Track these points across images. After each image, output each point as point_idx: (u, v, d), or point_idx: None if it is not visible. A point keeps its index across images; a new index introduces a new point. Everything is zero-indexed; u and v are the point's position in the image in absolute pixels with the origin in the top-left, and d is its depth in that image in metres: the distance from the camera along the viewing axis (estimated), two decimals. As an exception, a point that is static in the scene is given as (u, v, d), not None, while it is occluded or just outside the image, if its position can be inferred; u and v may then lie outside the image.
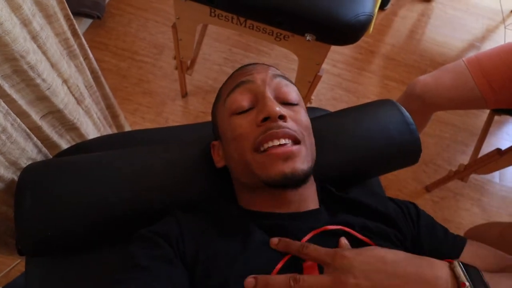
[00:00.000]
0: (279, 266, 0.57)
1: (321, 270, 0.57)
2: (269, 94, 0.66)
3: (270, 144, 0.61)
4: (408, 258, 0.50)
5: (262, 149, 0.62)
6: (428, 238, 0.70)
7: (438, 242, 0.70)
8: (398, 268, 0.48)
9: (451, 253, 0.68)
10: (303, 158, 0.63)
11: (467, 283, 0.45)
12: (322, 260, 0.52)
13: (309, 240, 0.61)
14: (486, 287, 0.46)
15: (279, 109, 0.63)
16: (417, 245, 0.70)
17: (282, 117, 0.63)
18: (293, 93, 0.70)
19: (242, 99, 0.67)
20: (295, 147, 0.62)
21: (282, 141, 0.62)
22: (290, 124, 0.64)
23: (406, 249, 0.67)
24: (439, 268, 0.48)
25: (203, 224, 0.66)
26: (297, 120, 0.66)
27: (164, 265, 0.57)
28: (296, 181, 0.61)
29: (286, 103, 0.68)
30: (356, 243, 0.61)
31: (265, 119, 0.63)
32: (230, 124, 0.68)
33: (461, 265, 0.48)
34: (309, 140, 0.67)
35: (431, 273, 0.47)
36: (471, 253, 0.68)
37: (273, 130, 0.61)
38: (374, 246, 0.53)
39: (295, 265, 0.58)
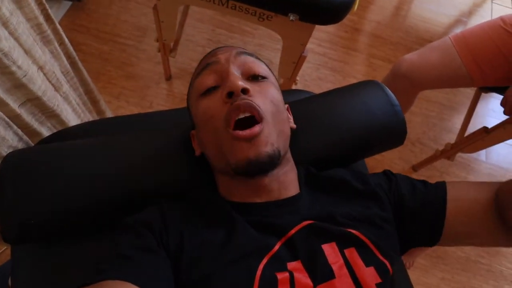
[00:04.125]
0: (264, 261, 0.57)
1: (308, 271, 0.57)
2: (233, 70, 0.64)
3: (235, 117, 0.60)
4: None
5: (232, 123, 0.61)
6: (412, 196, 0.71)
7: (423, 196, 0.70)
8: None
9: (438, 202, 0.69)
10: (266, 139, 0.60)
11: None
12: None
13: (295, 235, 0.61)
14: None
15: (242, 83, 0.61)
16: (400, 206, 0.70)
17: (245, 91, 0.62)
18: (259, 67, 0.69)
19: (207, 79, 0.67)
20: (257, 127, 0.60)
21: (247, 114, 0.60)
22: (254, 98, 0.62)
23: (390, 224, 0.68)
24: None
25: (187, 214, 0.65)
26: (264, 94, 0.65)
27: (147, 255, 0.56)
28: (261, 165, 0.60)
29: (253, 78, 0.67)
30: (339, 236, 0.62)
31: (230, 94, 0.62)
32: (199, 108, 0.67)
33: None
34: (276, 117, 0.65)
35: None
36: (456, 191, 0.70)
37: (236, 103, 0.60)
38: None
39: (280, 260, 0.58)
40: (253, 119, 0.61)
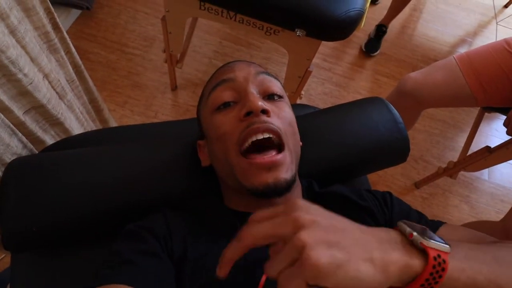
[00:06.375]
0: None
1: None
2: (252, 89, 0.65)
3: (254, 138, 0.61)
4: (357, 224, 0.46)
5: (246, 145, 0.61)
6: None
7: None
8: (352, 224, 0.44)
9: None
10: (287, 167, 0.61)
11: (414, 233, 0.43)
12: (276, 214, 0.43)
13: None
14: (430, 235, 0.43)
15: (262, 103, 0.62)
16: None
17: (265, 112, 0.62)
18: (276, 87, 0.69)
19: (224, 95, 0.67)
20: (280, 156, 0.61)
21: (266, 135, 0.61)
22: (273, 120, 0.63)
23: None
24: (388, 231, 0.45)
25: (190, 222, 0.66)
26: (281, 116, 0.66)
27: (150, 260, 0.57)
28: (279, 190, 0.60)
29: (269, 97, 0.68)
30: None
31: (248, 113, 0.62)
32: (212, 122, 0.67)
33: (404, 222, 0.46)
34: (293, 141, 0.66)
35: (381, 232, 0.44)
36: (448, 232, 0.67)
37: (255, 125, 0.61)
38: None
39: None
40: (269, 140, 0.61)
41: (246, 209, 0.67)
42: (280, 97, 0.69)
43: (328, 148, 0.83)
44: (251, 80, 0.67)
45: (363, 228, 0.44)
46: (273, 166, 0.60)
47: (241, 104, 0.64)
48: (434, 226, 0.68)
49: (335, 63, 2.13)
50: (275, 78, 0.72)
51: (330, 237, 0.39)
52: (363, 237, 0.42)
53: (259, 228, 0.42)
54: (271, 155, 0.60)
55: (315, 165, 0.81)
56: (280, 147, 0.63)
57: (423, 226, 0.45)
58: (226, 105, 0.66)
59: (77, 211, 0.70)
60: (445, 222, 0.70)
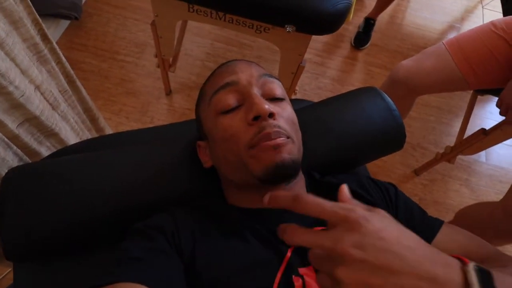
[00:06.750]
0: (282, 268, 0.58)
1: None
2: (256, 92, 0.66)
3: (263, 143, 0.62)
4: (423, 247, 0.41)
5: (257, 147, 0.62)
6: (404, 217, 0.71)
7: (414, 222, 0.70)
8: (413, 257, 0.39)
9: (426, 234, 0.68)
10: (290, 149, 0.63)
11: None
12: (329, 216, 0.42)
13: None
14: None
15: (268, 106, 0.63)
16: None
17: (271, 115, 0.63)
18: (278, 88, 0.70)
19: (228, 98, 0.67)
20: (282, 138, 0.62)
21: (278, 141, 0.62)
22: (280, 122, 0.64)
23: None
24: (452, 270, 0.40)
25: (197, 220, 0.66)
26: (285, 116, 0.67)
27: (157, 257, 0.57)
28: (286, 168, 0.61)
29: (272, 99, 0.68)
30: None
31: (256, 118, 0.63)
32: (217, 125, 0.67)
33: (476, 270, 0.40)
34: (296, 136, 0.68)
35: (444, 274, 0.40)
36: (448, 236, 0.69)
37: (266, 131, 0.62)
38: (385, 216, 0.44)
39: (293, 266, 0.58)
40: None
41: (250, 205, 0.68)
42: (283, 99, 0.70)
43: (324, 140, 0.83)
44: (254, 83, 0.67)
45: (423, 265, 0.39)
46: (278, 147, 0.61)
47: (247, 107, 0.65)
48: (435, 225, 0.70)
49: (327, 57, 2.13)
50: (276, 78, 0.73)
51: (372, 281, 0.37)
52: (413, 283, 0.38)
53: (304, 236, 0.41)
54: (276, 140, 0.62)
55: (311, 158, 0.81)
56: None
57: (491, 278, 0.41)
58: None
59: (76, 218, 0.70)
60: (443, 221, 0.72)
